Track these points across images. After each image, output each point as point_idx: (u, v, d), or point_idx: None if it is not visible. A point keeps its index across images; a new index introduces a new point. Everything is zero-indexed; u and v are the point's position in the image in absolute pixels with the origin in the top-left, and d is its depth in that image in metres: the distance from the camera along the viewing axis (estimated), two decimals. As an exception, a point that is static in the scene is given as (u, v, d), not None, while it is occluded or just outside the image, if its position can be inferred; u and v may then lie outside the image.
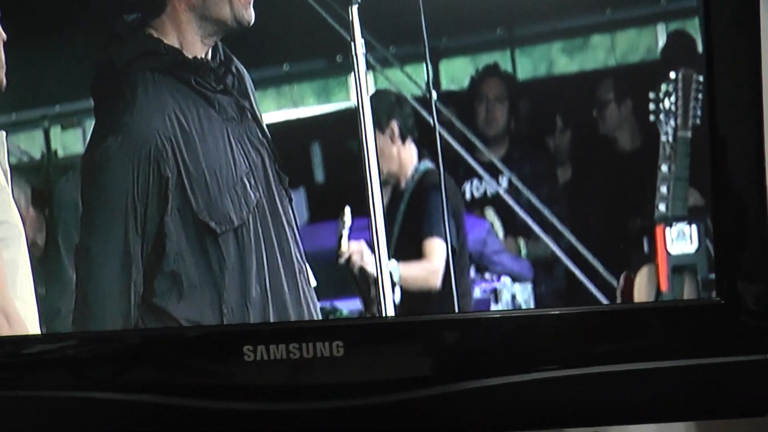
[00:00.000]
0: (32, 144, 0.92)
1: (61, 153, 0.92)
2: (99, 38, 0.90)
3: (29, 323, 0.91)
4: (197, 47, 0.90)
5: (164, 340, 0.90)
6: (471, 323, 0.88)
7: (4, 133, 0.91)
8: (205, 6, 0.89)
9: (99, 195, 0.90)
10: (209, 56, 0.90)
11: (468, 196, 0.90)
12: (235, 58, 0.90)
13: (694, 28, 0.86)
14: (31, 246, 0.92)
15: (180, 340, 0.90)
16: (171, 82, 0.89)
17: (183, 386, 0.89)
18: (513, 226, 0.90)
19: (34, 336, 0.90)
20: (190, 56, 0.89)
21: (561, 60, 0.90)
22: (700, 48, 0.85)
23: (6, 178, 0.91)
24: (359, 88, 0.88)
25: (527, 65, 0.90)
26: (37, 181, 0.92)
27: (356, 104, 0.89)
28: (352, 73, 0.88)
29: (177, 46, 0.89)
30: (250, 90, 0.91)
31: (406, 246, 0.90)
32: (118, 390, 0.89)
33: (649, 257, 0.87)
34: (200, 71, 0.89)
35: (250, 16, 0.89)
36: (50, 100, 0.92)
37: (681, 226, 0.87)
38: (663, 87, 0.88)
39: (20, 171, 0.92)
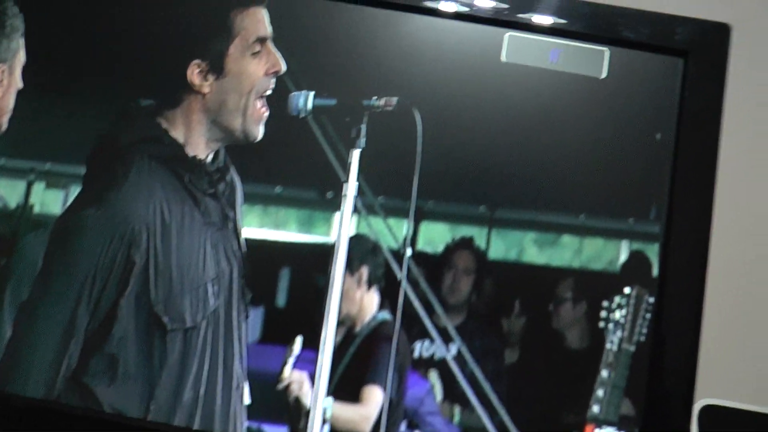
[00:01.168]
0: (12, 192, 0.92)
1: (37, 209, 0.92)
2: (110, 112, 0.93)
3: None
4: (200, 148, 0.93)
5: (83, 420, 0.88)
6: (393, 477, 0.89)
7: (-14, 175, 0.92)
8: (219, 112, 0.93)
9: (62, 260, 0.90)
10: (209, 159, 0.93)
11: (417, 354, 0.93)
12: (232, 168, 0.94)
13: (653, 252, 0.94)
14: (-24, 292, 0.91)
15: (99, 424, 0.88)
16: (165, 173, 0.92)
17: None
18: (452, 393, 0.92)
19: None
20: (191, 155, 0.93)
21: (531, 250, 0.95)
22: (655, 272, 0.93)
23: (-28, 220, 0.91)
24: (341, 228, 0.92)
25: (500, 247, 0.95)
26: (4, 229, 0.92)
27: (335, 242, 0.92)
28: (338, 212, 0.93)
29: (181, 141, 0.93)
30: (238, 201, 0.94)
31: (346, 387, 0.91)
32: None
33: (574, 451, 0.90)
34: (196, 171, 0.92)
35: (259, 132, 0.93)
36: (43, 156, 0.93)
37: (609, 431, 0.90)
38: (616, 299, 0.94)
39: (-10, 216, 0.92)
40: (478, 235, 0.95)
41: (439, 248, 0.94)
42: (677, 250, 0.93)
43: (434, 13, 0.95)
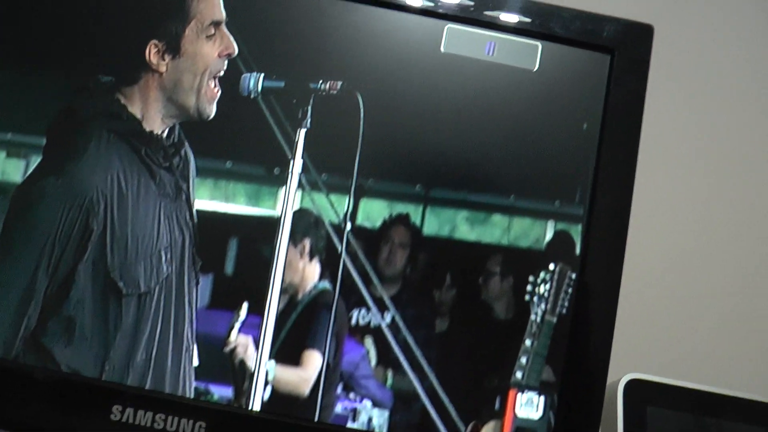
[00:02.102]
0: (-28, 162, 0.97)
1: (-2, 177, 0.97)
2: (71, 86, 0.98)
3: None
4: (156, 123, 0.98)
5: (41, 379, 0.93)
6: (327, 432, 0.96)
7: (-52, 144, 0.96)
8: (174, 90, 0.98)
9: (22, 226, 0.95)
10: (164, 134, 0.99)
11: (353, 321, 0.99)
12: (186, 143, 0.99)
13: (576, 233, 1.01)
14: (-63, 256, 0.95)
15: (56, 383, 0.93)
16: (123, 146, 0.97)
17: (45, 430, 0.92)
18: (386, 358, 0.99)
19: None
20: (148, 129, 0.98)
21: (463, 227, 1.02)
22: (578, 251, 1.00)
23: (-65, 187, 0.95)
24: (286, 202, 0.98)
25: (434, 223, 1.02)
26: (-35, 197, 0.96)
27: (280, 215, 0.98)
28: (284, 187, 0.99)
29: (138, 116, 0.98)
30: (191, 175, 0.99)
31: (288, 351, 0.98)
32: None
33: (497, 414, 0.97)
34: (152, 145, 0.98)
35: (212, 111, 0.99)
36: (4, 126, 0.97)
37: (531, 395, 0.98)
38: (541, 275, 1.01)
39: (-48, 183, 0.97)
40: (413, 212, 1.01)
41: (377, 224, 1.00)
42: (598, 231, 1.00)
43: (380, 3, 1.01)
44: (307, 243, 1.00)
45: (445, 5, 1.01)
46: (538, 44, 1.01)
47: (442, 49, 1.01)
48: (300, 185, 0.99)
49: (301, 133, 0.99)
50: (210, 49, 0.98)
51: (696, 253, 1.30)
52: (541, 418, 0.98)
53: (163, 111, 0.98)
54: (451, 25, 1.01)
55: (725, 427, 1.03)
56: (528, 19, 1.02)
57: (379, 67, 1.00)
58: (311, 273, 1.01)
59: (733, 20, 1.36)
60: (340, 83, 0.99)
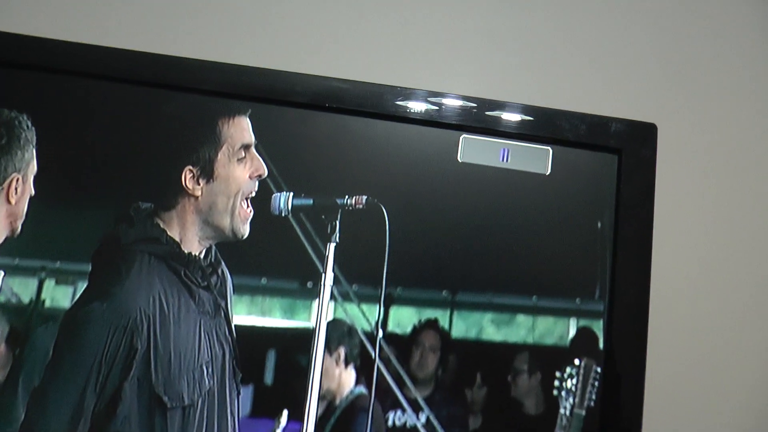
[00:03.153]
0: (24, 289, 1.02)
1: (48, 303, 1.02)
2: (112, 216, 1.04)
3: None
4: (194, 245, 1.04)
5: (93, 494, 0.97)
6: None
7: (2, 272, 1.02)
8: (210, 213, 1.04)
9: (71, 349, 1.00)
10: (202, 255, 1.04)
11: (390, 422, 1.03)
12: (223, 263, 1.04)
13: (599, 328, 1.05)
14: (-8, 379, 1.00)
15: (107, 497, 0.97)
16: (163, 268, 1.02)
17: None
18: (423, 459, 1.03)
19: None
20: (186, 251, 1.04)
21: (489, 329, 1.06)
22: (601, 345, 1.04)
23: (-11, 314, 1.01)
24: (320, 314, 1.03)
25: (461, 327, 1.06)
26: (17, 322, 1.02)
27: (314, 326, 1.03)
28: (317, 300, 1.04)
29: (177, 239, 1.04)
30: (228, 292, 1.04)
31: (328, 456, 1.02)
32: None
33: None
34: (191, 266, 1.03)
35: (245, 231, 1.04)
36: (53, 255, 1.03)
37: (565, 488, 1.01)
38: (567, 370, 1.05)
39: (4, 309, 1.02)
40: (441, 316, 1.06)
41: (408, 329, 1.05)
42: (620, 325, 1.05)
43: (399, 118, 1.07)
44: (342, 351, 1.05)
45: (459, 115, 1.07)
46: (549, 149, 1.07)
47: (459, 158, 1.07)
48: (332, 297, 1.04)
49: (331, 248, 1.04)
50: (241, 172, 1.05)
51: (722, 330, 1.33)
52: None
53: (200, 233, 1.04)
54: (466, 135, 1.07)
55: None
56: (537, 124, 1.07)
57: (401, 179, 1.06)
58: (347, 379, 1.05)
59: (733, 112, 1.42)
60: (365, 198, 1.05)
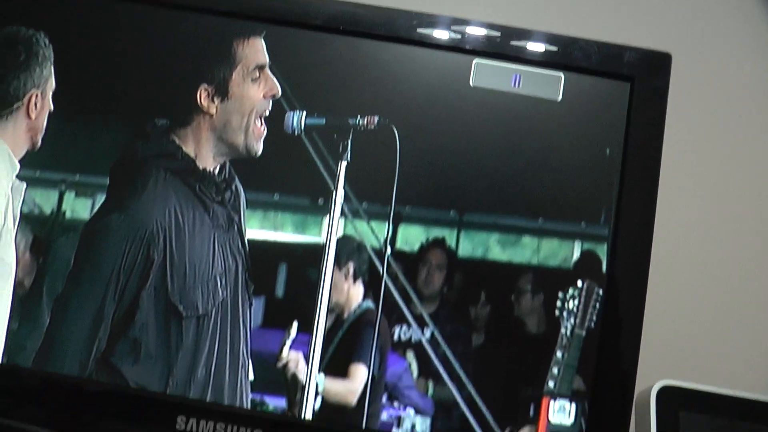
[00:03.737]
0: (46, 200, 1.07)
1: (68, 215, 1.07)
2: (130, 130, 1.07)
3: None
4: (209, 161, 1.07)
5: (112, 394, 1.03)
6: (374, 441, 1.04)
7: (24, 184, 1.06)
8: (224, 130, 1.07)
9: (90, 258, 1.04)
10: (216, 171, 1.07)
11: (396, 337, 1.07)
12: (237, 178, 1.07)
13: (602, 252, 1.07)
14: (18, 285, 1.05)
15: (125, 397, 1.03)
16: (179, 183, 1.06)
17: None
18: (426, 370, 1.06)
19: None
20: (201, 167, 1.07)
21: (495, 249, 1.09)
22: (604, 269, 1.06)
23: (13, 223, 1.05)
24: (330, 230, 1.06)
25: (468, 246, 1.09)
26: (40, 232, 1.06)
27: (325, 242, 1.06)
28: (328, 216, 1.07)
29: (192, 155, 1.07)
30: (242, 207, 1.08)
31: (336, 365, 1.06)
32: (58, 429, 1.01)
33: (532, 420, 1.04)
34: (205, 182, 1.06)
35: (259, 148, 1.07)
36: (73, 168, 1.07)
37: (563, 403, 1.05)
38: (570, 291, 1.07)
39: (28, 220, 1.06)
40: (449, 236, 1.08)
41: (415, 247, 1.07)
42: (623, 249, 1.06)
43: (413, 42, 1.08)
44: (351, 266, 1.08)
45: (472, 40, 1.08)
46: (561, 75, 1.08)
47: (471, 82, 1.08)
48: (343, 214, 1.06)
49: (342, 166, 1.06)
50: (256, 91, 1.07)
51: (723, 261, 1.35)
52: (573, 425, 1.05)
53: (215, 150, 1.07)
54: (478, 60, 1.08)
55: (757, 431, 1.08)
56: (551, 50, 1.08)
57: (413, 101, 1.08)
58: (355, 294, 1.09)
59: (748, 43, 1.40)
60: (377, 118, 1.06)
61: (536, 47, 1.08)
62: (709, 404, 1.06)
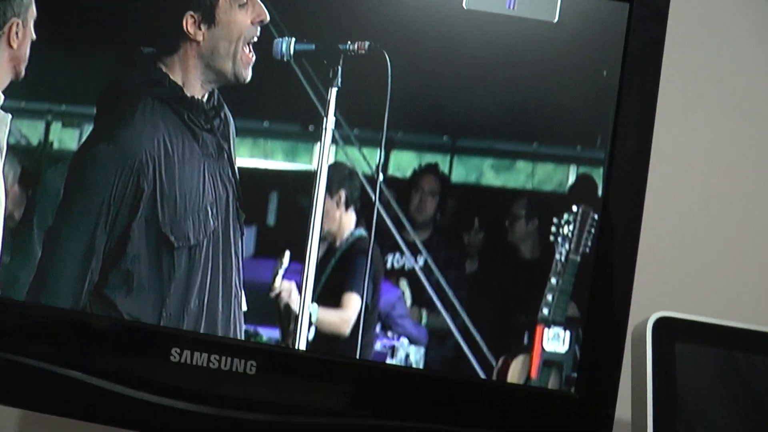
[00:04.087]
0: (33, 131, 1.05)
1: (56, 146, 1.05)
2: (116, 59, 1.05)
3: (-17, 284, 1.03)
4: (197, 89, 1.05)
5: (106, 326, 1.03)
6: (367, 369, 1.05)
7: (10, 115, 1.04)
8: (212, 57, 1.04)
9: (80, 189, 1.03)
10: (205, 98, 1.05)
11: (389, 265, 1.06)
12: (225, 106, 1.05)
13: (598, 176, 1.05)
14: (8, 218, 1.05)
15: (120, 329, 1.03)
16: (167, 112, 1.04)
17: (111, 371, 1.02)
18: (419, 299, 1.06)
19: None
20: (189, 95, 1.05)
21: (489, 174, 1.08)
22: (600, 193, 1.05)
23: (1, 155, 1.04)
24: (321, 157, 1.05)
25: (461, 172, 1.07)
26: (28, 163, 1.05)
27: (316, 169, 1.05)
28: (319, 143, 1.05)
29: (180, 83, 1.04)
30: (231, 135, 1.06)
31: (329, 295, 1.06)
32: (52, 361, 1.01)
33: (526, 348, 1.04)
34: (194, 110, 1.05)
35: (248, 75, 1.05)
36: (59, 98, 1.05)
37: (557, 330, 1.05)
38: (565, 216, 1.06)
39: (15, 151, 1.05)
40: (441, 161, 1.07)
41: (408, 173, 1.06)
42: (619, 173, 1.05)
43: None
44: (342, 194, 1.07)
45: (466, -39, 1.05)
46: (558, -5, 1.05)
47: (464, 5, 1.05)
48: (334, 140, 1.05)
49: (333, 92, 1.04)
50: (243, 17, 1.04)
51: (719, 193, 1.33)
52: (567, 352, 1.05)
53: (202, 77, 1.05)
54: (472, -19, 1.05)
55: (754, 361, 1.08)
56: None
57: (404, 25, 1.05)
58: (348, 222, 1.08)
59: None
60: (367, 43, 1.04)
61: (531, -34, 1.05)
62: (704, 335, 1.06)
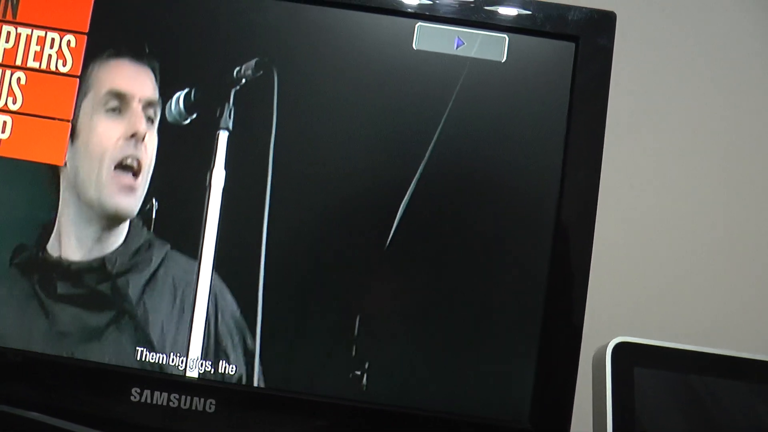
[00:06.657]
0: None
1: None
2: None
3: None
4: None
5: (63, 366, 1.04)
6: (329, 405, 1.05)
7: None
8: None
9: None
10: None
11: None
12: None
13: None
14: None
15: (79, 369, 1.04)
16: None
17: (71, 411, 1.02)
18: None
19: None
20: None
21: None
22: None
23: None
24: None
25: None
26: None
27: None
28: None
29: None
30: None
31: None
32: (11, 403, 1.02)
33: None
34: None
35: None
36: None
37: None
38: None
39: None
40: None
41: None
42: (569, 210, 1.07)
43: (353, 7, 1.07)
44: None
45: (414, 4, 1.08)
46: (505, 36, 1.07)
47: (414, 46, 1.07)
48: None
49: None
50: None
51: (677, 216, 1.35)
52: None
53: None
54: (421, 23, 1.08)
55: (710, 384, 1.09)
56: (494, 13, 1.07)
57: (356, 67, 1.07)
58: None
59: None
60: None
61: (479, 8, 1.08)
62: (661, 359, 1.07)
